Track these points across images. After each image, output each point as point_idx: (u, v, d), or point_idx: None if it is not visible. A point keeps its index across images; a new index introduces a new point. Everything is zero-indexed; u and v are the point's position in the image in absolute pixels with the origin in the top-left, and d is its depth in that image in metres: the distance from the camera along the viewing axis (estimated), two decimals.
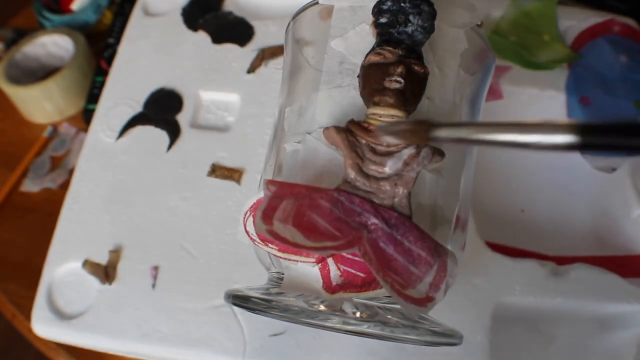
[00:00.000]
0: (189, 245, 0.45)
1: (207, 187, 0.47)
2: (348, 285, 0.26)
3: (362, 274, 0.26)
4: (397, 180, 0.25)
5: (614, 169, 0.48)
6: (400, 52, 0.26)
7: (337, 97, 0.28)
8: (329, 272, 0.26)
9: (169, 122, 0.50)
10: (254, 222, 0.27)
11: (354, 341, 0.39)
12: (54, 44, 0.62)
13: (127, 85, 0.53)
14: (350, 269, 0.26)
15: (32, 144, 0.60)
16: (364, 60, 0.27)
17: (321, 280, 0.26)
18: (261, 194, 0.27)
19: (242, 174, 0.47)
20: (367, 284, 0.26)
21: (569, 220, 0.49)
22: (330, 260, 0.26)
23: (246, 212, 0.27)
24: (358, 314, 0.26)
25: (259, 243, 0.27)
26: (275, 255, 0.27)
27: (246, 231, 0.27)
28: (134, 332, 0.42)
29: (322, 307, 0.26)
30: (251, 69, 0.52)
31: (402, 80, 0.25)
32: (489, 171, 0.51)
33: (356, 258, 0.26)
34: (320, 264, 0.26)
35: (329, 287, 0.26)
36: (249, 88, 0.51)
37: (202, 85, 0.52)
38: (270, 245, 0.27)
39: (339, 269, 0.26)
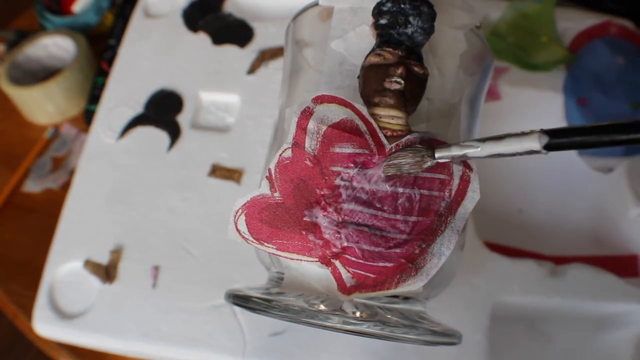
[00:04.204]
0: (190, 245, 0.45)
1: (208, 188, 0.47)
2: (362, 286, 0.26)
3: (371, 275, 0.26)
4: None
5: (611, 170, 0.48)
6: (400, 53, 0.26)
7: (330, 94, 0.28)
8: (341, 275, 0.26)
9: (169, 122, 0.50)
10: (246, 220, 0.27)
11: (353, 341, 0.40)
12: (55, 46, 0.62)
13: (127, 86, 0.53)
14: (358, 271, 0.26)
15: (34, 144, 0.60)
16: (364, 61, 0.27)
17: (323, 280, 0.26)
18: (254, 193, 0.27)
19: (242, 174, 0.47)
20: (380, 284, 0.26)
21: (566, 220, 0.49)
22: (338, 263, 0.26)
23: (237, 210, 0.27)
24: (358, 314, 0.27)
25: (252, 242, 0.27)
26: (273, 254, 0.27)
27: (237, 229, 0.27)
28: (135, 331, 0.42)
29: (322, 307, 0.26)
30: (251, 70, 0.52)
31: (402, 81, 0.25)
32: (487, 172, 0.51)
33: (360, 261, 0.26)
34: (327, 266, 0.26)
35: (344, 289, 0.26)
36: (249, 89, 0.51)
37: (203, 86, 0.52)
38: (265, 244, 0.27)
39: (348, 271, 0.26)
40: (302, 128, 0.26)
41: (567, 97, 0.50)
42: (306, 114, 0.26)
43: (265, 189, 0.27)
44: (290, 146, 0.26)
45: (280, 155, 0.26)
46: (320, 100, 0.26)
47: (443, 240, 0.26)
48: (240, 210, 0.27)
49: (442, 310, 0.40)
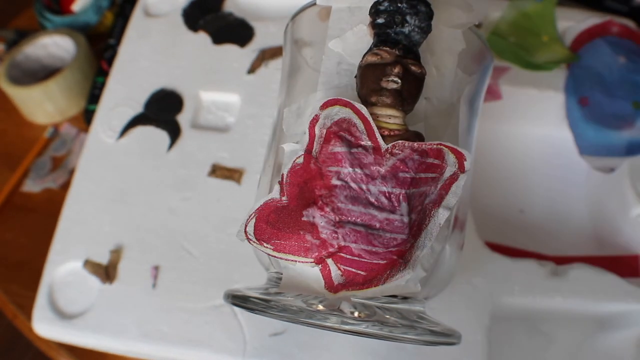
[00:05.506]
0: (190, 245, 0.45)
1: (208, 187, 0.47)
2: (350, 283, 0.26)
3: (362, 272, 0.26)
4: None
5: (612, 169, 0.48)
6: (397, 52, 0.26)
7: (335, 97, 0.28)
8: (330, 273, 0.26)
9: (169, 122, 0.50)
10: (255, 224, 0.27)
11: (353, 341, 0.40)
12: (55, 45, 0.62)
13: (127, 86, 0.53)
14: (350, 268, 0.26)
15: (33, 144, 0.60)
16: (362, 61, 0.27)
17: (322, 280, 0.26)
18: (266, 198, 0.27)
19: (242, 174, 0.47)
20: (368, 281, 0.26)
21: (567, 220, 0.49)
22: (330, 261, 0.26)
23: (251, 214, 0.27)
24: (356, 314, 0.27)
25: (253, 242, 0.27)
26: (271, 256, 0.27)
27: (245, 232, 0.27)
28: (135, 331, 0.42)
29: (320, 307, 0.27)
30: (251, 70, 0.52)
31: (399, 81, 0.25)
32: (488, 172, 0.51)
33: (355, 258, 0.26)
34: (320, 265, 0.26)
35: (331, 287, 0.26)
36: (249, 88, 0.51)
37: (203, 85, 0.52)
38: (264, 244, 0.27)
39: (339, 269, 0.26)
40: (312, 135, 0.26)
41: (568, 96, 0.50)
42: (314, 121, 0.26)
43: (276, 193, 0.27)
44: (303, 153, 0.27)
45: (294, 161, 0.27)
46: (325, 105, 0.26)
47: (426, 233, 0.26)
48: (253, 214, 0.27)
49: (442, 310, 0.40)
